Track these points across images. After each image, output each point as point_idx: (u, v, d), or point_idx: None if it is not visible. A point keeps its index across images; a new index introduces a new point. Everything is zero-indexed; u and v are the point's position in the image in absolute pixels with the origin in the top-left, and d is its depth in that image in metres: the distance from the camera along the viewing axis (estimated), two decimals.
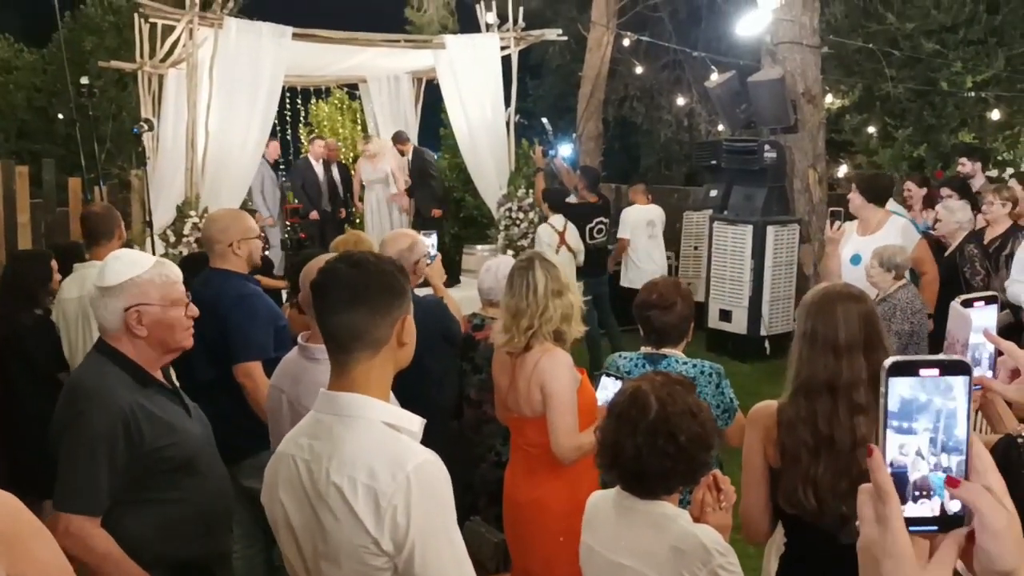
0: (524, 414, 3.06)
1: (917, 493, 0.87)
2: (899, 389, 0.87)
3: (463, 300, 4.13)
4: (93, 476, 2.30)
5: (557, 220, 7.56)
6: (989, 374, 1.52)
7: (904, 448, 0.87)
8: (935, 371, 0.86)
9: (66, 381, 2.53)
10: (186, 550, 2.51)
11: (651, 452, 2.04)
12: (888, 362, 0.86)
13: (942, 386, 0.86)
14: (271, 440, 2.77)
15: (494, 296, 3.85)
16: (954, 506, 0.87)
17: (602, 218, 7.77)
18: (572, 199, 8.16)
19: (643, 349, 3.22)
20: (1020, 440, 1.86)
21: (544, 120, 8.71)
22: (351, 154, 11.84)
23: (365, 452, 1.74)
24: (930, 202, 7.16)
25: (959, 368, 0.86)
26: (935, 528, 0.87)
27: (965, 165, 7.77)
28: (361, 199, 10.33)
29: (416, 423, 1.85)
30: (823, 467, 2.24)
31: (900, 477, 0.87)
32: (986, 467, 0.87)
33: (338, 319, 1.82)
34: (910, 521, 0.86)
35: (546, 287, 2.98)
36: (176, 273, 2.55)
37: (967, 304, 1.42)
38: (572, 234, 7.54)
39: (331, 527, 1.74)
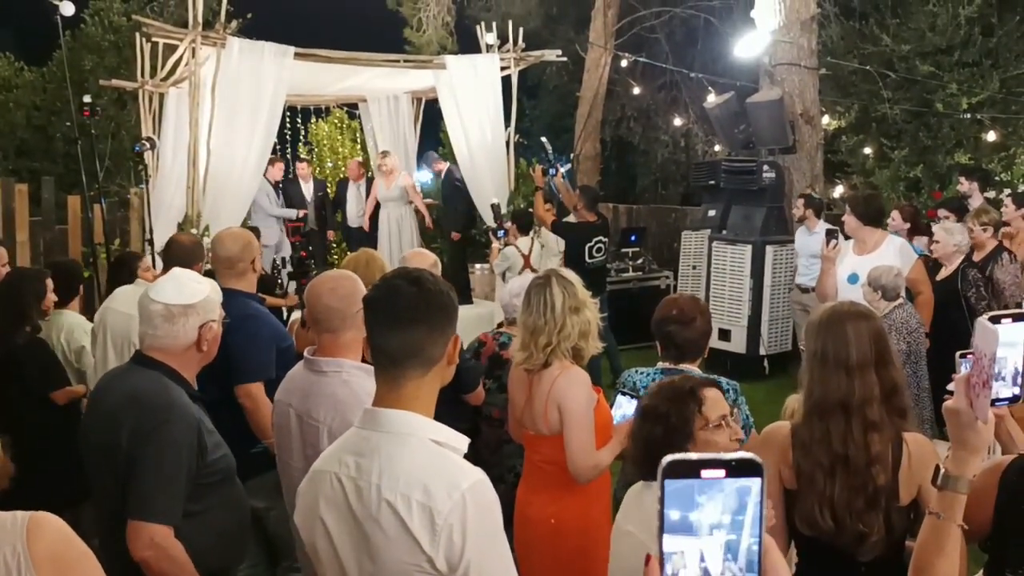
0: (540, 431, 3.06)
1: None
2: (679, 492, 0.77)
3: (473, 319, 4.13)
4: (176, 486, 2.35)
5: (523, 243, 7.97)
6: (1017, 390, 1.53)
7: (687, 557, 0.78)
8: (720, 472, 0.77)
9: (117, 392, 2.52)
10: (230, 558, 2.55)
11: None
12: (665, 461, 0.78)
13: (729, 489, 0.77)
14: (278, 456, 2.76)
15: (511, 313, 3.86)
16: None
17: (601, 237, 7.78)
18: (571, 218, 8.20)
19: (660, 364, 3.24)
20: None
21: (543, 140, 8.73)
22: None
23: (418, 470, 1.73)
24: (916, 231, 7.12)
25: (749, 469, 0.77)
26: None
27: (963, 184, 7.80)
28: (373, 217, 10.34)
29: (463, 442, 1.84)
30: (839, 486, 2.25)
31: None
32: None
33: (397, 336, 1.80)
34: None
35: (563, 304, 2.98)
36: (220, 290, 2.74)
37: (995, 320, 1.44)
38: (536, 256, 7.86)
39: (382, 545, 1.73)
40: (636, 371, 3.30)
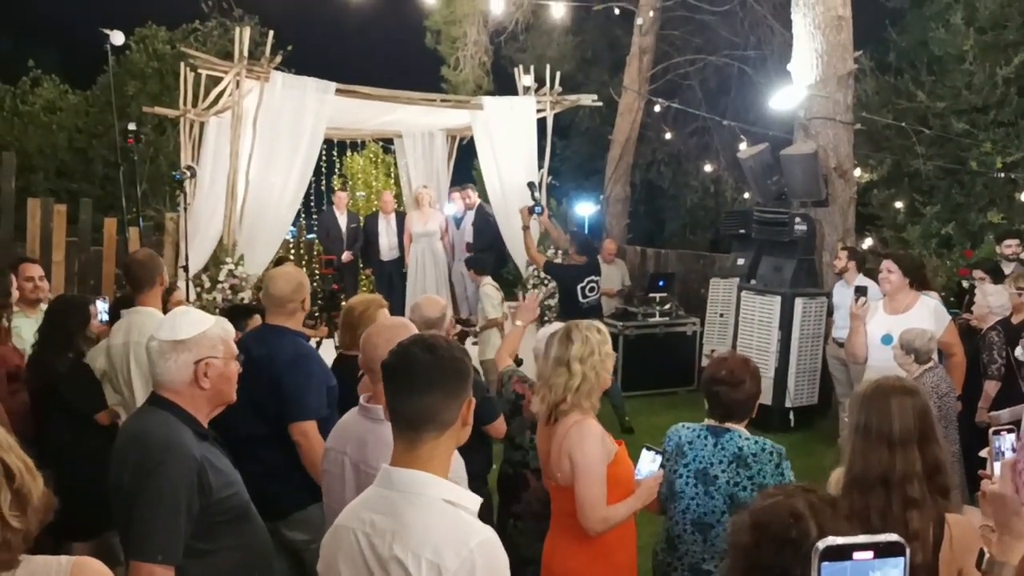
0: (559, 482, 3.08)
1: None
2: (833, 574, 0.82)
3: None
4: (175, 526, 2.35)
5: (490, 280, 8.22)
6: None
7: None
8: (869, 554, 0.83)
9: (126, 432, 2.56)
10: None
11: None
12: (821, 546, 0.84)
13: (877, 569, 0.83)
14: (325, 502, 2.76)
15: None
16: None
17: (592, 277, 7.84)
18: (559, 260, 8.42)
19: (707, 421, 3.23)
20: None
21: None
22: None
23: (429, 529, 1.80)
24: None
25: (895, 549, 0.83)
26: None
27: (1011, 247, 7.64)
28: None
29: (474, 502, 1.91)
30: None
31: None
32: None
33: (413, 402, 1.90)
34: None
35: (575, 353, 3.04)
36: (232, 328, 2.69)
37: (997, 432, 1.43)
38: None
39: None
40: (684, 426, 3.29)
